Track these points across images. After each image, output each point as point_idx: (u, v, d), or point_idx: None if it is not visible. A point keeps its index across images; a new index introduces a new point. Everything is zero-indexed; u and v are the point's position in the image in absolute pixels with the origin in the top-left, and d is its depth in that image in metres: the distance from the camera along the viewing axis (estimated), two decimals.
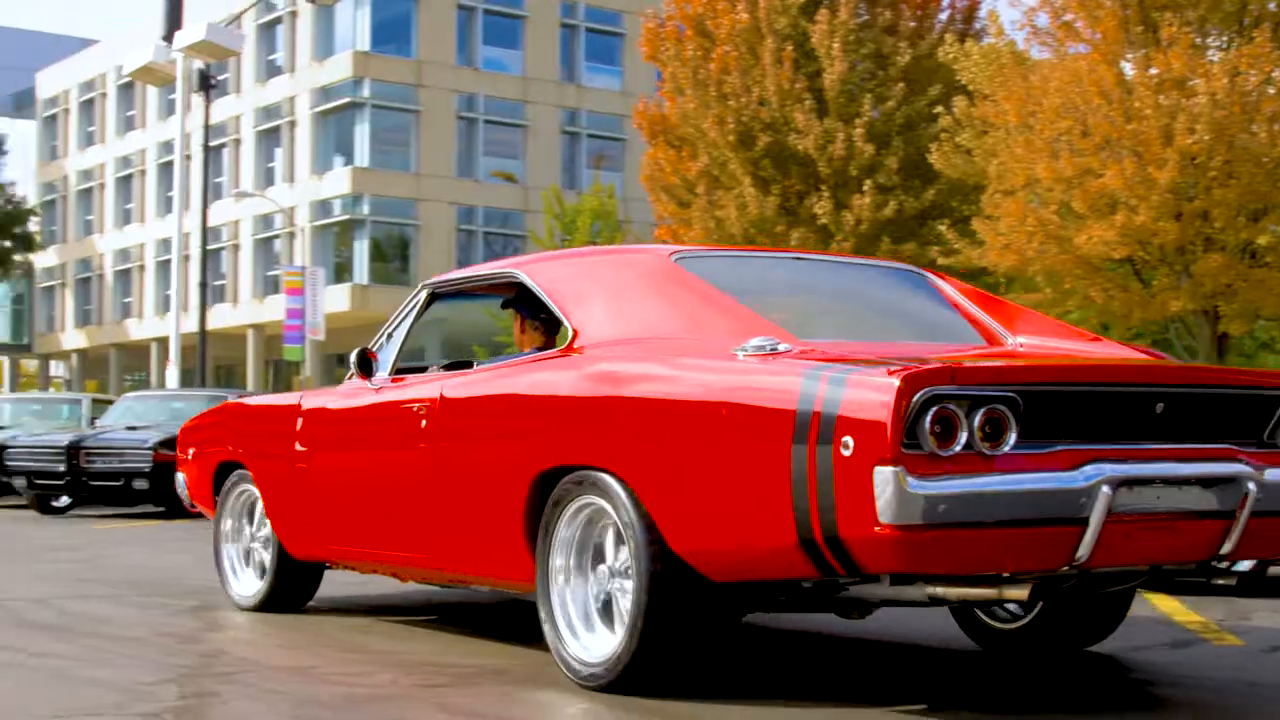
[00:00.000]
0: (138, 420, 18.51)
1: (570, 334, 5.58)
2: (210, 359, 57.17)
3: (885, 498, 4.10)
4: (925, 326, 5.89)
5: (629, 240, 41.48)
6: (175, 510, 17.15)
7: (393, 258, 53.06)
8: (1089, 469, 4.34)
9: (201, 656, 6.06)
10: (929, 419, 4.14)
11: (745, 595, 4.97)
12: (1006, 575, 4.42)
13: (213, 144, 57.49)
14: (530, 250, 51.51)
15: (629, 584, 4.94)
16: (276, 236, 54.49)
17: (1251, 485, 4.59)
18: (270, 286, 52.45)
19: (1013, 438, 4.26)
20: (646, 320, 5.36)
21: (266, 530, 7.24)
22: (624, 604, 4.99)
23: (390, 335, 6.59)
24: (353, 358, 6.48)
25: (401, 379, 6.39)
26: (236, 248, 56.40)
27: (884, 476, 4.10)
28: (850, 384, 4.27)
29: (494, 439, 5.59)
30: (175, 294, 27.85)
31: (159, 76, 28.59)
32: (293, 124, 53.76)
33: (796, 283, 6.11)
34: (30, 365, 72.88)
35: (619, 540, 5.04)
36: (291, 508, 6.93)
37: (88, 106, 66.00)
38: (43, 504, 17.99)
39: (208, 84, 31.20)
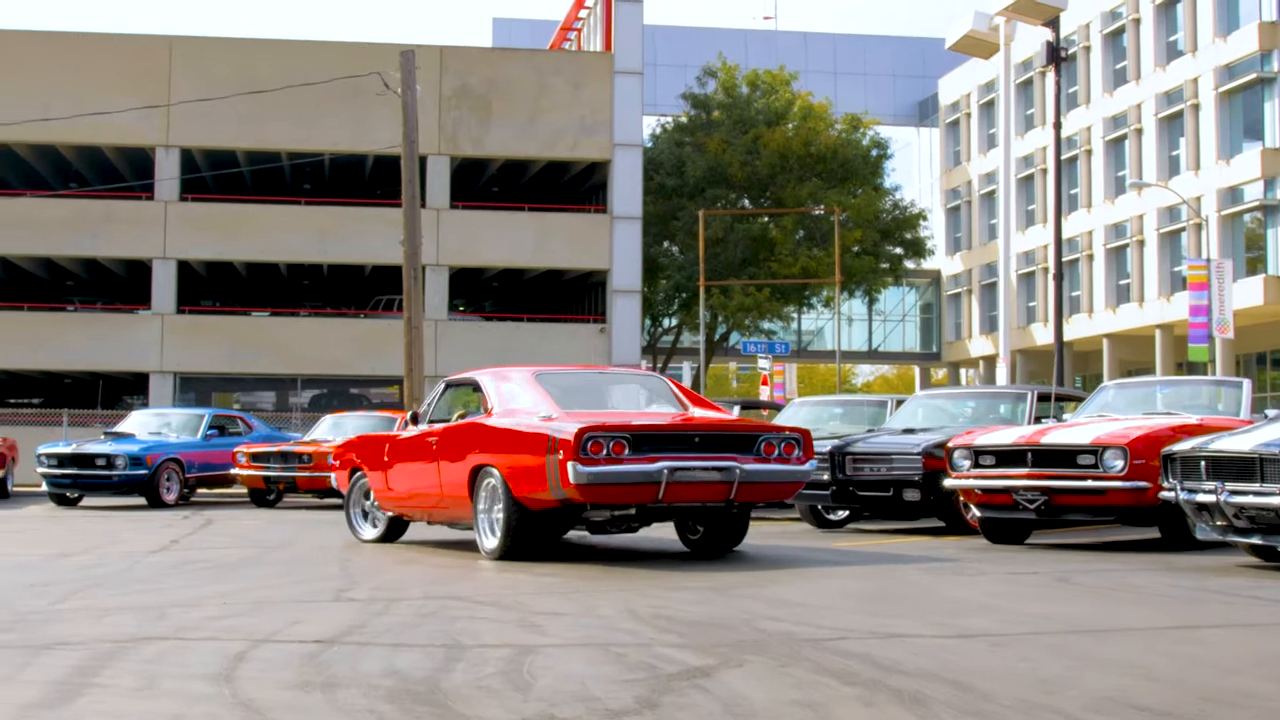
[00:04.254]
0: (928, 422, 17.16)
1: (489, 407, 12.54)
2: (1117, 362, 54.84)
3: (571, 473, 10.86)
4: (650, 403, 13.01)
5: None
6: (955, 526, 15.57)
7: None
8: (660, 464, 11.09)
9: None
10: (589, 444, 10.95)
11: (554, 519, 11.73)
12: (626, 505, 11.43)
13: (1111, 136, 55.28)
14: None
15: (500, 515, 11.79)
16: (1182, 229, 51.25)
17: (738, 471, 11.39)
18: (1178, 283, 49.40)
19: (627, 451, 11.06)
20: (515, 404, 12.29)
21: (373, 500, 14.33)
22: (499, 525, 11.85)
23: (427, 405, 13.51)
24: (408, 415, 13.82)
25: (427, 428, 13.24)
26: (1141, 243, 53.84)
27: (570, 466, 10.87)
28: (562, 430, 11.09)
29: (458, 451, 12.43)
30: (1018, 302, 25.90)
31: (982, 47, 26.63)
32: (1196, 107, 50.41)
33: (585, 384, 13.48)
34: (939, 374, 73.66)
35: (497, 497, 11.86)
36: (382, 487, 13.85)
37: (988, 109, 65.74)
38: (817, 517, 17.24)
39: (1057, 56, 28.59)
